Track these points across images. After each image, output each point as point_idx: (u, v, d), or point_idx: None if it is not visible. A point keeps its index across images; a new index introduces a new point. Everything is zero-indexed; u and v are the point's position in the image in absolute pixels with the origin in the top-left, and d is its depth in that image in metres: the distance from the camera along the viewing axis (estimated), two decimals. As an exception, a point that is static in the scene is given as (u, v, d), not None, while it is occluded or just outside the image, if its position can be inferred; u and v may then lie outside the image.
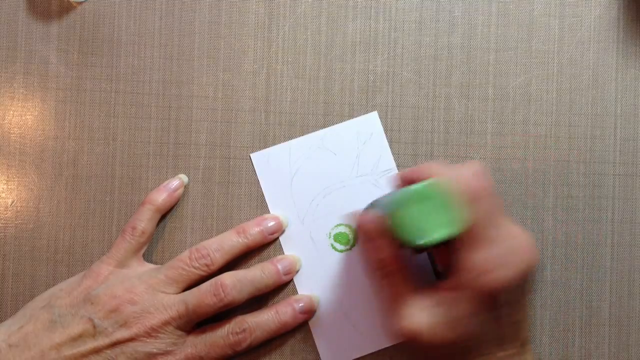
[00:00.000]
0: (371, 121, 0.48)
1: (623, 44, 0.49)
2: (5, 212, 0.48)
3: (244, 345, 0.44)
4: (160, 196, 0.47)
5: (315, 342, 0.47)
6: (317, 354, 0.47)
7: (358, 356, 0.47)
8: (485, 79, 0.49)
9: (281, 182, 0.48)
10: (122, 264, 0.46)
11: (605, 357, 0.48)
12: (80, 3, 0.49)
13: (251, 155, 0.48)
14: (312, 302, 0.47)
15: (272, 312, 0.46)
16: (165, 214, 0.48)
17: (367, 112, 0.49)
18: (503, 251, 0.37)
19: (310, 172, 0.48)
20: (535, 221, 0.48)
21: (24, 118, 0.49)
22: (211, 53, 0.49)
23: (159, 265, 0.46)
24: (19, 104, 0.49)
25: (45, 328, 0.43)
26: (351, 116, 0.49)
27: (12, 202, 0.48)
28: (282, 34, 0.49)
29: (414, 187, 0.38)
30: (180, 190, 0.48)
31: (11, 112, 0.49)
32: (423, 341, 0.38)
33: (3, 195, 0.48)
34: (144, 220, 0.46)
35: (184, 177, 0.48)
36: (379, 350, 0.47)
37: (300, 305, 0.46)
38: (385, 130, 0.49)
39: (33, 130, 0.48)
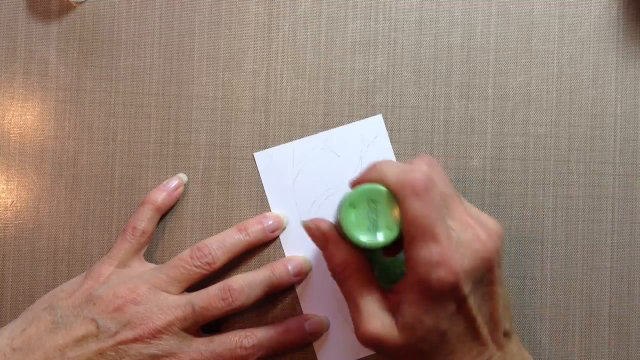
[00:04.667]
0: (375, 124, 0.48)
1: (623, 44, 0.49)
2: (5, 212, 0.48)
3: None
4: (160, 196, 0.47)
5: (314, 344, 0.47)
6: (315, 357, 0.47)
7: (355, 359, 0.47)
8: (485, 79, 0.49)
9: (284, 182, 0.48)
10: (123, 264, 0.45)
11: (605, 357, 0.48)
12: (80, 3, 0.49)
13: (255, 154, 0.48)
14: (322, 324, 0.47)
15: (282, 329, 0.45)
16: (165, 214, 0.48)
17: (367, 112, 0.49)
18: (451, 244, 0.36)
19: (313, 173, 0.48)
20: (535, 221, 0.48)
21: (23, 118, 0.49)
22: (211, 53, 0.49)
23: (161, 265, 0.46)
24: (19, 104, 0.49)
25: (48, 330, 0.43)
26: (351, 116, 0.49)
27: (12, 202, 0.48)
28: (282, 34, 0.49)
29: (359, 189, 0.38)
30: (180, 190, 0.48)
31: (11, 112, 0.49)
32: (385, 346, 0.37)
33: (3, 195, 0.48)
34: (145, 220, 0.46)
35: (183, 176, 0.48)
36: (375, 354, 0.47)
37: (310, 326, 0.46)
38: (385, 130, 0.49)
39: (33, 130, 0.48)
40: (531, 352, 0.48)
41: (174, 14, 0.49)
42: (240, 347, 0.44)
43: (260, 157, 0.48)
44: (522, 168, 0.49)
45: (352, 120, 0.49)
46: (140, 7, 0.49)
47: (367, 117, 0.49)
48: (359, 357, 0.47)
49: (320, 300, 0.47)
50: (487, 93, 0.49)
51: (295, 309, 0.48)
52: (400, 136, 0.49)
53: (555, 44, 0.49)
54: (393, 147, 0.48)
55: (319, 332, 0.47)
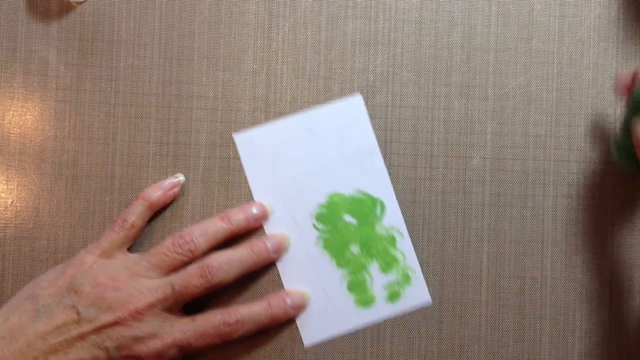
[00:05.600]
0: (355, 104, 0.49)
1: (623, 44, 0.49)
2: (5, 212, 0.48)
3: (234, 336, 0.45)
4: (155, 193, 0.47)
5: (296, 320, 0.47)
6: (298, 332, 0.47)
7: (335, 333, 0.47)
8: (485, 79, 0.49)
9: (264, 163, 0.48)
10: (106, 254, 0.46)
11: (605, 357, 0.48)
12: (80, 3, 0.49)
13: (234, 135, 0.48)
14: (304, 298, 0.47)
15: (265, 305, 0.46)
16: (163, 210, 0.48)
17: (367, 112, 0.49)
18: None
19: (293, 153, 0.48)
20: (535, 221, 0.48)
21: (24, 118, 0.49)
22: (211, 53, 0.49)
23: (143, 253, 0.46)
24: (19, 104, 0.49)
25: (30, 318, 0.43)
26: (351, 116, 0.49)
27: (12, 202, 0.48)
28: (282, 34, 0.49)
29: None
30: (177, 189, 0.48)
31: (11, 112, 0.49)
32: None
33: (3, 195, 0.48)
34: (135, 214, 0.46)
35: (180, 176, 0.48)
36: (355, 330, 0.47)
37: (292, 300, 0.47)
38: (385, 130, 0.49)
39: (33, 130, 0.48)
40: (531, 352, 0.48)
41: (174, 14, 0.49)
42: (224, 324, 0.44)
43: (240, 138, 0.48)
44: (522, 168, 0.49)
45: (352, 120, 0.49)
46: (140, 7, 0.49)
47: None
48: (342, 331, 0.47)
49: (301, 275, 0.48)
50: (487, 93, 0.49)
51: (276, 285, 0.48)
52: (400, 136, 0.49)
53: (555, 44, 0.49)
54: (393, 147, 0.48)
55: (301, 306, 0.47)
